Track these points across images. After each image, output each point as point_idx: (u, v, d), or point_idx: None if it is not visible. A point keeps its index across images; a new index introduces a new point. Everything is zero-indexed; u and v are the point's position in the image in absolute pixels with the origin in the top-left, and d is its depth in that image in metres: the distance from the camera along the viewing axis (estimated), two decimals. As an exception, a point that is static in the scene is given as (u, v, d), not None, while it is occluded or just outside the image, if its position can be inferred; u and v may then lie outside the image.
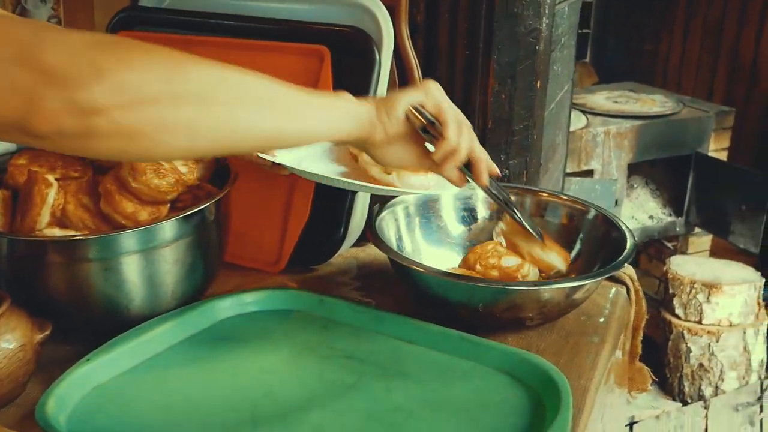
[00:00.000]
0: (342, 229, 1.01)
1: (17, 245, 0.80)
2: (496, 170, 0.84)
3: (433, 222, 1.03)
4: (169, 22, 1.11)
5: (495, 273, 0.94)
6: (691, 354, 2.63)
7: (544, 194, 1.03)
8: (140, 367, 0.80)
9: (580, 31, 4.03)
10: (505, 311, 0.84)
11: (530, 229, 0.92)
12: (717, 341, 2.59)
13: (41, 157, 0.90)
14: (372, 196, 1.04)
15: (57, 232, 0.83)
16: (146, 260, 0.81)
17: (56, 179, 0.86)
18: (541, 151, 1.20)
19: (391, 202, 0.99)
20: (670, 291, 2.66)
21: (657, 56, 3.83)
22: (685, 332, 2.62)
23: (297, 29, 1.03)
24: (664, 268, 2.73)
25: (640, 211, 3.08)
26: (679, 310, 2.65)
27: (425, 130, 0.78)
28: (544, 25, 1.09)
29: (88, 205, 0.86)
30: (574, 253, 0.99)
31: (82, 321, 0.84)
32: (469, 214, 1.05)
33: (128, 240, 0.79)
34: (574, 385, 0.79)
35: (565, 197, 1.02)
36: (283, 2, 1.06)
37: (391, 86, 1.04)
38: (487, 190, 0.85)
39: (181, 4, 1.13)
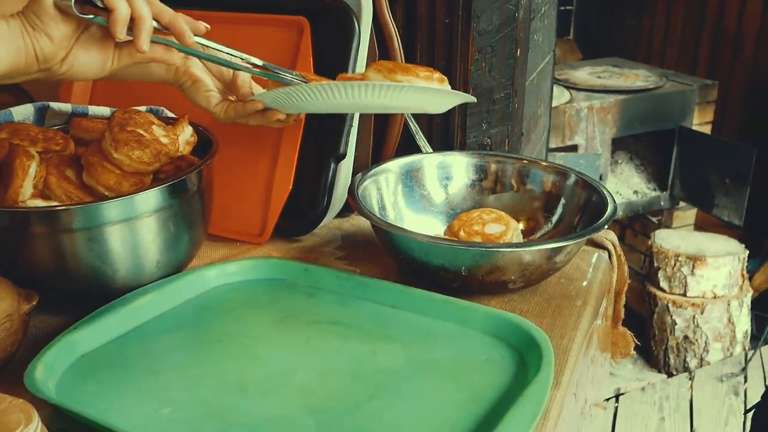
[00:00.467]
0: (326, 200, 1.02)
1: (0, 217, 0.80)
2: (202, 25, 0.75)
3: (416, 191, 1.04)
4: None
5: (479, 240, 0.94)
6: (676, 326, 2.65)
7: (525, 161, 1.04)
8: (127, 336, 0.81)
9: (562, 8, 4.02)
10: (487, 274, 0.85)
11: (288, 75, 0.83)
12: (701, 313, 2.62)
13: (22, 131, 0.91)
14: (354, 166, 1.05)
15: (40, 203, 0.83)
16: (130, 230, 0.82)
17: (38, 152, 0.86)
18: (523, 120, 1.20)
19: (373, 171, 1.00)
20: (655, 264, 2.68)
21: (640, 31, 3.84)
22: (670, 305, 2.64)
23: (276, 0, 1.03)
24: (649, 242, 2.75)
25: (624, 186, 3.10)
26: (663, 284, 2.67)
27: (83, 13, 0.69)
28: (523, -8, 1.09)
29: (71, 178, 0.86)
30: (555, 217, 1.00)
31: (69, 292, 0.85)
32: (451, 183, 1.05)
33: (111, 210, 0.80)
34: (556, 345, 0.80)
35: (545, 163, 1.03)
36: (262, -26, 1.06)
37: (371, 57, 1.04)
38: (205, 54, 0.75)
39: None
